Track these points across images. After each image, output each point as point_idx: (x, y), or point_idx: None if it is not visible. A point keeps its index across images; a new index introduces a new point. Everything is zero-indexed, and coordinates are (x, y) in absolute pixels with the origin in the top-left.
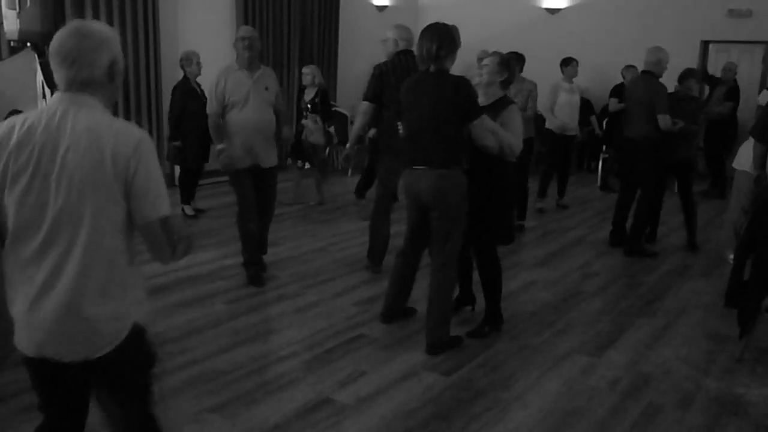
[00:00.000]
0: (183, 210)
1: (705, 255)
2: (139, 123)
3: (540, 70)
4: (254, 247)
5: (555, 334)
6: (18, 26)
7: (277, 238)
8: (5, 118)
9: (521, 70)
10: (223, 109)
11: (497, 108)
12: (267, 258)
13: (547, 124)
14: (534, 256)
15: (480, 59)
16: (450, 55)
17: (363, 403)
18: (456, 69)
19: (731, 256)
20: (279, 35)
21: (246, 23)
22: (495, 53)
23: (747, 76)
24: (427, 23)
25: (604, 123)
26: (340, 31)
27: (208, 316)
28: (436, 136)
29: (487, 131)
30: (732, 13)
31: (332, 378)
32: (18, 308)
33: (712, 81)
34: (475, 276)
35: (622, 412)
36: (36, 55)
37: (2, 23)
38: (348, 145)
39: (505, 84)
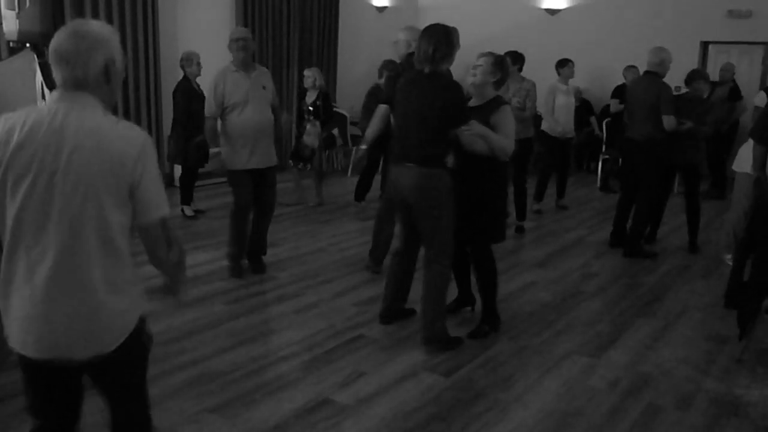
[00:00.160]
0: (183, 210)
1: (705, 256)
2: (138, 123)
3: (539, 71)
4: (243, 242)
5: (555, 334)
6: (17, 27)
7: (277, 238)
8: None
9: (521, 69)
10: (222, 111)
11: (490, 108)
12: (267, 258)
13: (543, 126)
14: (534, 256)
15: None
16: (446, 58)
17: (363, 404)
18: (456, 70)
19: (728, 257)
20: (279, 36)
21: (246, 24)
22: (489, 53)
23: (747, 76)
24: (427, 24)
25: (604, 124)
26: (339, 32)
27: (207, 316)
28: (420, 135)
29: (475, 136)
30: (731, 13)
31: (332, 378)
32: (20, 312)
33: (713, 84)
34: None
35: (621, 413)
36: (35, 56)
37: (1, 24)
38: (363, 146)
39: (498, 84)
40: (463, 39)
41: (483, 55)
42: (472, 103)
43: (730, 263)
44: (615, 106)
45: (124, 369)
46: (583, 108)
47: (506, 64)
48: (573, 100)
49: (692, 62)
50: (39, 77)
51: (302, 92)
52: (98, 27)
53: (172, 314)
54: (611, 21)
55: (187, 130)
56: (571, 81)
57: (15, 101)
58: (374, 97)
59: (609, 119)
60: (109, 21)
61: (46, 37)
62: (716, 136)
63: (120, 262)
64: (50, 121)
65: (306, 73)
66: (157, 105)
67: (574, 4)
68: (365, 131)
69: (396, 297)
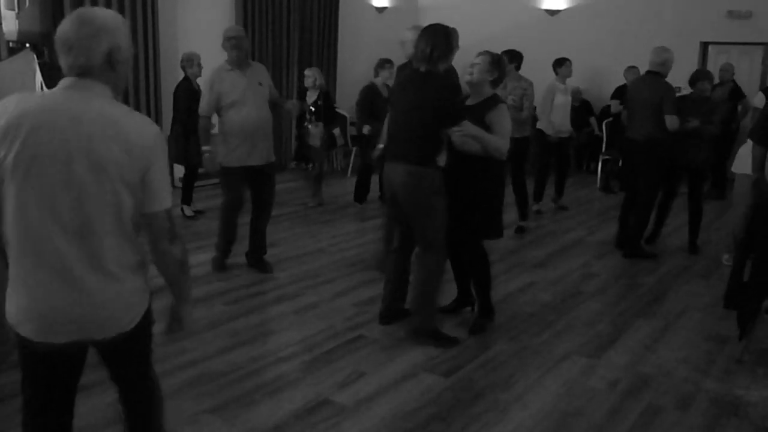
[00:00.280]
0: (182, 210)
1: (704, 256)
2: None
3: (539, 72)
4: (230, 236)
5: (554, 334)
6: (17, 27)
7: (277, 239)
8: None
9: (518, 68)
10: (218, 110)
11: (486, 107)
12: (266, 259)
13: (539, 125)
14: (534, 256)
15: None
16: (443, 58)
17: (362, 404)
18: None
19: (726, 257)
20: (278, 36)
21: (245, 24)
22: (486, 52)
23: (746, 77)
24: (427, 24)
25: (604, 124)
26: (339, 32)
27: (207, 317)
28: (411, 134)
29: (467, 137)
30: (731, 14)
31: (331, 379)
32: (37, 297)
33: (713, 85)
34: None
35: (621, 413)
36: (35, 56)
37: (1, 24)
38: (379, 146)
39: (496, 83)
40: (463, 39)
41: (480, 53)
42: (468, 101)
43: (728, 263)
44: (615, 106)
45: (139, 346)
46: (583, 108)
47: (503, 63)
48: (570, 99)
49: (692, 63)
50: (39, 77)
51: (302, 92)
52: (102, 13)
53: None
54: (611, 21)
55: (188, 130)
56: (568, 80)
57: None
58: (368, 96)
59: (609, 120)
60: None
61: (46, 37)
62: (719, 136)
63: (133, 245)
64: (64, 107)
65: (306, 72)
66: (157, 105)
67: (574, 4)
68: (362, 129)
69: (395, 297)
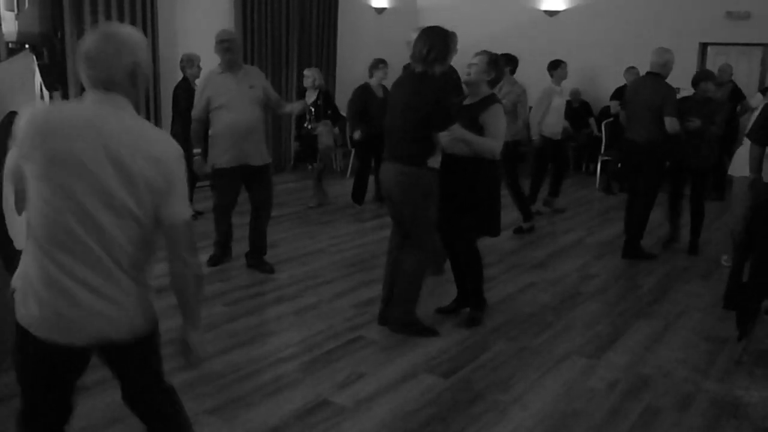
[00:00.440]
0: None
1: (704, 257)
2: None
3: (538, 73)
4: (225, 234)
5: (554, 335)
6: (16, 28)
7: (276, 239)
8: (3, 120)
9: (513, 72)
10: (208, 113)
11: (481, 106)
12: (266, 259)
13: (531, 130)
14: (533, 257)
15: None
16: (440, 60)
17: (362, 405)
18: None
19: (725, 258)
20: (278, 37)
21: (245, 25)
22: (484, 52)
23: (745, 78)
24: (426, 25)
25: (603, 125)
26: (339, 33)
27: (206, 318)
28: (404, 134)
29: (456, 141)
30: (730, 15)
31: (331, 380)
32: (56, 302)
33: None
34: None
35: (621, 414)
36: (34, 57)
37: (0, 25)
38: None
39: (493, 83)
40: (462, 40)
41: (478, 53)
42: (466, 101)
43: (727, 264)
44: (615, 107)
45: (150, 350)
46: (582, 109)
47: (501, 64)
48: (564, 101)
49: (691, 63)
50: (38, 78)
51: (301, 92)
52: (125, 30)
53: (171, 315)
54: (610, 22)
55: (187, 130)
56: (563, 82)
57: (14, 102)
58: (361, 97)
59: (609, 120)
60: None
61: (45, 38)
62: (722, 137)
63: (152, 253)
64: (90, 119)
65: (306, 73)
66: (157, 106)
67: (573, 5)
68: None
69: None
